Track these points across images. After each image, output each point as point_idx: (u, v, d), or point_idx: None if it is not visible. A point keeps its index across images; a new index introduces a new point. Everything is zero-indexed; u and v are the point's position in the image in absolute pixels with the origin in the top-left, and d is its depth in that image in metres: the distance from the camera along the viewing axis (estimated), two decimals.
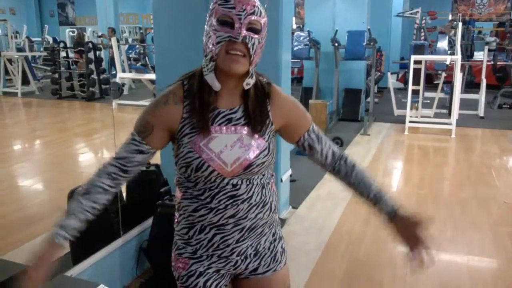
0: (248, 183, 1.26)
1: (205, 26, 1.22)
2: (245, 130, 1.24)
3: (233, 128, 1.23)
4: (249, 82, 1.23)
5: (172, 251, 1.39)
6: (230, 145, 1.22)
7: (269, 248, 1.38)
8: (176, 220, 1.36)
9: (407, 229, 1.29)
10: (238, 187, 1.25)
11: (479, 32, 13.20)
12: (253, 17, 1.16)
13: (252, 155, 1.23)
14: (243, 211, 1.26)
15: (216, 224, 1.26)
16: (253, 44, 1.17)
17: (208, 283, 1.33)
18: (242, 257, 1.34)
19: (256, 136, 1.25)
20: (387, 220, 1.33)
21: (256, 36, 1.18)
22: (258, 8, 1.19)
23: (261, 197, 1.29)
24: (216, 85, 1.20)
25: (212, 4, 1.20)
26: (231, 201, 1.24)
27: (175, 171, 1.32)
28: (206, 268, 1.33)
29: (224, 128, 1.23)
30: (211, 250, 1.30)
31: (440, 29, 10.02)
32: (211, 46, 1.18)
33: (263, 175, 1.30)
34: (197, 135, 1.21)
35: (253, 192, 1.27)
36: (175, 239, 1.38)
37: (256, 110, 1.25)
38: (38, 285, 1.16)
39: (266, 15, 1.23)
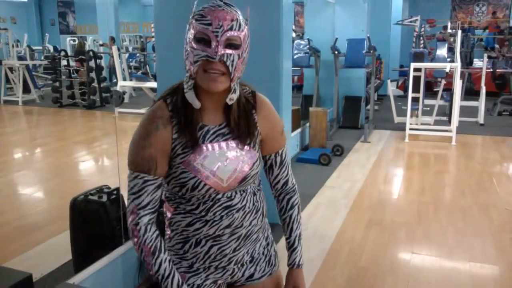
0: (242, 192, 1.27)
1: (185, 37, 1.18)
2: (236, 144, 1.23)
3: (224, 144, 1.22)
4: (233, 98, 1.20)
5: None
6: (224, 161, 1.21)
7: (263, 253, 1.40)
8: (167, 236, 1.33)
9: (289, 284, 1.42)
10: (232, 197, 1.25)
11: (481, 40, 13.25)
12: (231, 33, 1.11)
13: (246, 167, 1.24)
14: (238, 220, 1.26)
15: (212, 235, 1.25)
16: (232, 61, 1.13)
17: None
18: (239, 265, 1.34)
19: (247, 148, 1.25)
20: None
21: (235, 52, 1.13)
22: (237, 22, 1.13)
23: (253, 204, 1.30)
24: (196, 104, 1.18)
25: (190, 16, 1.16)
26: (226, 211, 1.24)
27: (163, 187, 1.28)
28: (203, 280, 1.32)
29: (216, 144, 1.22)
30: (208, 262, 1.30)
31: (439, 36, 10.05)
32: (189, 64, 1.15)
33: (255, 184, 1.33)
34: (190, 154, 1.19)
35: (247, 200, 1.28)
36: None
37: (241, 123, 1.23)
38: None
39: (247, 25, 1.18)
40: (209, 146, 1.21)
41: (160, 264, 1.20)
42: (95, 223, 2.62)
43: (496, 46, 11.79)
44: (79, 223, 2.66)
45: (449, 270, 3.02)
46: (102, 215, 2.59)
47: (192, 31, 1.14)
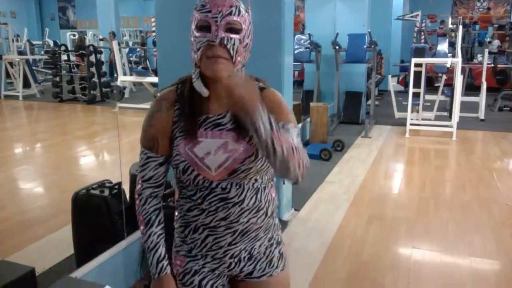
0: (238, 187, 1.25)
1: (189, 30, 1.21)
2: (230, 135, 1.22)
3: (218, 133, 1.22)
4: None
5: (172, 249, 1.41)
6: (214, 150, 1.21)
7: (264, 253, 1.37)
8: (175, 218, 1.38)
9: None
10: (227, 190, 1.24)
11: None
12: (231, 17, 1.14)
13: (237, 161, 1.22)
14: (234, 215, 1.25)
15: (209, 225, 1.27)
16: (233, 44, 1.15)
17: (204, 282, 1.34)
18: (236, 260, 1.33)
19: (244, 142, 1.22)
20: None
21: (235, 36, 1.15)
22: (237, 8, 1.16)
23: (255, 202, 1.27)
24: (204, 91, 1.20)
25: (193, 10, 1.20)
26: (221, 203, 1.24)
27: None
28: (201, 267, 1.34)
29: (210, 133, 1.22)
30: (204, 250, 1.31)
31: (439, 32, 10.03)
32: (193, 53, 1.19)
33: (256, 180, 1.28)
34: (184, 139, 1.23)
35: (245, 197, 1.26)
36: (175, 236, 1.40)
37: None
38: None
39: (248, 14, 1.21)
40: (204, 133, 1.23)
41: (149, 236, 1.28)
42: (97, 217, 2.63)
43: (487, 40, 11.77)
44: (81, 217, 2.67)
45: (449, 264, 3.03)
46: (104, 210, 2.60)
47: (194, 21, 1.18)
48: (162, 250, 1.28)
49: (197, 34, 1.16)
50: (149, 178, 1.28)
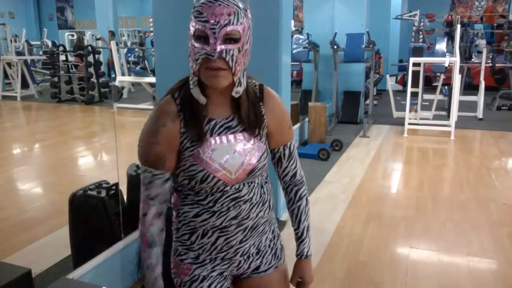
0: (249, 184, 1.28)
1: (187, 32, 1.18)
2: (243, 136, 1.24)
3: (231, 136, 1.24)
4: (238, 91, 1.20)
5: (171, 256, 1.39)
6: (232, 153, 1.23)
7: (269, 246, 1.41)
8: (175, 227, 1.35)
9: (296, 275, 1.46)
10: (240, 189, 1.26)
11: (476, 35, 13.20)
12: (229, 28, 1.11)
13: (254, 159, 1.25)
14: (245, 211, 1.27)
15: (219, 226, 1.27)
16: (232, 56, 1.13)
17: (212, 286, 1.34)
18: (245, 257, 1.35)
19: (255, 140, 1.26)
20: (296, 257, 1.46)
21: (234, 46, 1.13)
22: (235, 15, 1.12)
23: (260, 196, 1.31)
24: (202, 100, 1.19)
25: (192, 10, 1.17)
26: (233, 203, 1.25)
27: (173, 178, 1.31)
28: (209, 272, 1.34)
29: (224, 137, 1.23)
30: (214, 253, 1.31)
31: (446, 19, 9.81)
32: (191, 62, 1.16)
33: (262, 176, 1.33)
34: (198, 147, 1.21)
35: (254, 192, 1.29)
36: (175, 245, 1.37)
37: (250, 115, 1.25)
38: None
39: (247, 15, 1.17)
40: (217, 139, 1.22)
41: (150, 257, 1.28)
42: (94, 218, 2.62)
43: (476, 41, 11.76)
44: (78, 218, 2.66)
45: (447, 264, 3.03)
46: (101, 210, 2.60)
47: (192, 28, 1.15)
48: (160, 268, 1.30)
49: (196, 45, 1.13)
50: (155, 195, 1.25)
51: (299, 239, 1.44)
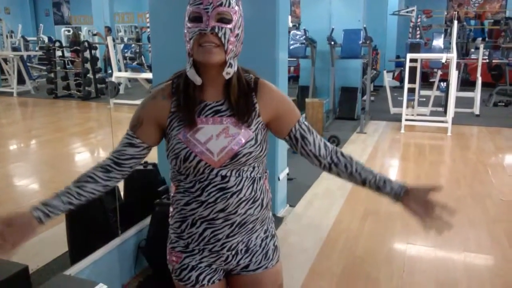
0: (237, 175, 1.27)
1: (183, 24, 1.26)
2: (231, 121, 1.26)
3: (219, 119, 1.26)
4: (229, 72, 1.24)
5: (167, 245, 1.41)
6: (216, 135, 1.25)
7: (260, 245, 1.39)
8: (170, 214, 1.39)
9: (419, 198, 1.36)
10: (227, 179, 1.26)
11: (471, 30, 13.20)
12: (221, 8, 1.19)
13: (238, 144, 1.25)
14: (232, 206, 1.27)
15: (207, 218, 1.28)
16: (224, 33, 1.19)
17: (201, 277, 1.36)
18: (233, 253, 1.35)
19: (242, 126, 1.26)
20: (397, 197, 1.34)
21: (226, 25, 1.19)
22: (227, 0, 1.21)
23: (251, 192, 1.30)
24: (197, 80, 1.24)
25: (187, 7, 1.25)
26: (220, 193, 1.26)
27: (170, 167, 1.35)
28: (198, 262, 1.35)
29: (211, 119, 1.26)
30: (202, 244, 1.33)
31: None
32: (187, 43, 1.23)
33: (253, 169, 1.31)
34: (184, 127, 1.25)
35: (243, 186, 1.28)
36: (169, 233, 1.40)
37: (240, 101, 1.27)
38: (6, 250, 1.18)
39: (239, 7, 1.25)
40: (204, 119, 1.26)
41: (66, 187, 1.29)
42: (91, 214, 2.62)
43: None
44: (75, 214, 2.65)
45: (444, 260, 3.04)
46: (98, 207, 2.59)
47: (187, 15, 1.23)
48: (58, 202, 1.26)
49: (190, 25, 1.21)
50: (115, 151, 1.32)
51: (386, 178, 1.33)
